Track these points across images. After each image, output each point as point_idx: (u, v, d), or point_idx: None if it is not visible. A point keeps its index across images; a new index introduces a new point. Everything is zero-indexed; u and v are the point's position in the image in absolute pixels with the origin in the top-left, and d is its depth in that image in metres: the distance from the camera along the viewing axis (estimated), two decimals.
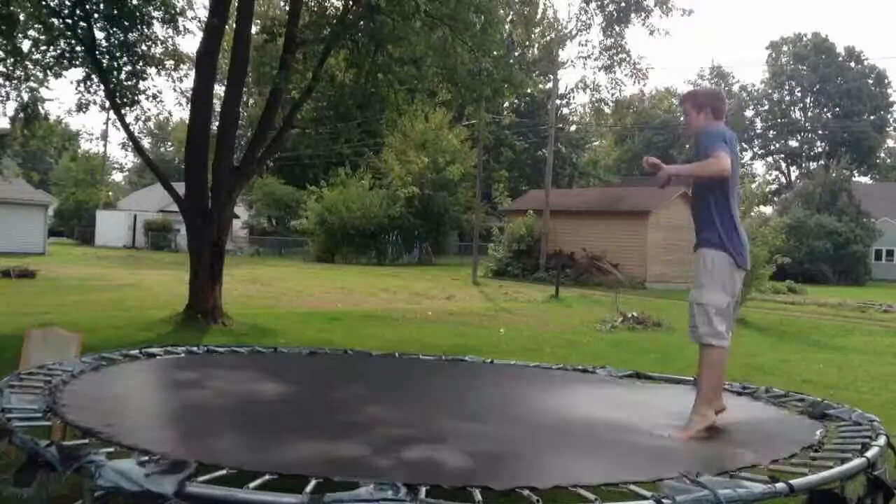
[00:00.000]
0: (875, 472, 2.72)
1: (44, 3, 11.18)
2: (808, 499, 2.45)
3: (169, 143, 71.71)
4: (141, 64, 12.50)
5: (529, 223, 29.02)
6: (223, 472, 2.42)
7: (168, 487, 2.18)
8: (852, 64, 66.22)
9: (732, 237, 3.76)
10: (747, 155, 69.59)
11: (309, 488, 2.27)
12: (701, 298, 3.76)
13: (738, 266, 3.77)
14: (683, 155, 66.62)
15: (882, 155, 68.07)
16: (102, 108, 13.02)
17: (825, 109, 66.77)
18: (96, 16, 12.20)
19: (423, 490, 2.28)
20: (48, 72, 11.87)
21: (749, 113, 70.28)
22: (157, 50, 12.81)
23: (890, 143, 69.02)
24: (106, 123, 63.08)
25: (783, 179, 69.02)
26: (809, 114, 68.36)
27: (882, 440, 3.03)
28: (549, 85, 39.98)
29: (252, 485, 2.31)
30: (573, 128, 53.99)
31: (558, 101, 43.36)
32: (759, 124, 70.25)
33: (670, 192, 30.16)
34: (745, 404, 4.46)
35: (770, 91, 69.09)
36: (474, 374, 5.52)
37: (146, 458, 2.43)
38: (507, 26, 18.00)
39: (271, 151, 14.32)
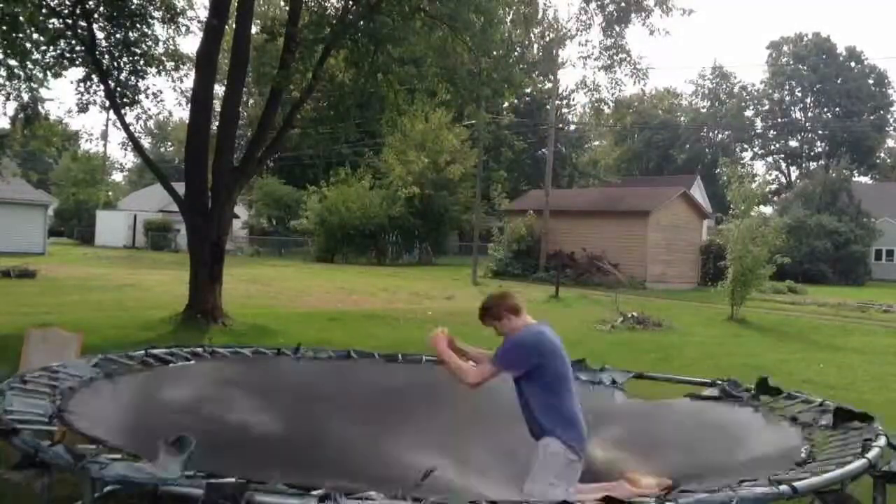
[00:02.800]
0: (882, 468, 2.72)
1: (43, 3, 11.17)
2: (821, 501, 2.45)
3: (169, 143, 71.67)
4: (141, 63, 12.50)
5: (529, 223, 29.02)
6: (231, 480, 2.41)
7: (174, 470, 2.17)
8: (852, 64, 66.21)
9: (568, 429, 3.49)
10: (747, 155, 69.66)
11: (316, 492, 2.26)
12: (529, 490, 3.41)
13: (576, 457, 3.48)
14: (684, 154, 66.77)
15: (882, 155, 68.04)
16: (102, 107, 13.03)
17: (825, 109, 66.74)
18: (96, 16, 12.20)
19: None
20: (48, 72, 11.86)
21: (749, 113, 70.26)
22: (158, 50, 12.81)
23: (890, 143, 69.05)
24: (106, 123, 63.09)
25: (783, 179, 68.99)
26: (809, 114, 68.32)
27: (882, 440, 3.02)
28: (549, 85, 40.01)
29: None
30: (573, 128, 53.94)
31: (558, 101, 43.35)
32: (759, 124, 70.22)
33: (670, 192, 30.25)
34: (736, 413, 4.35)
35: (770, 91, 69.05)
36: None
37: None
38: (506, 26, 17.95)
39: (271, 151, 14.34)
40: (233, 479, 2.35)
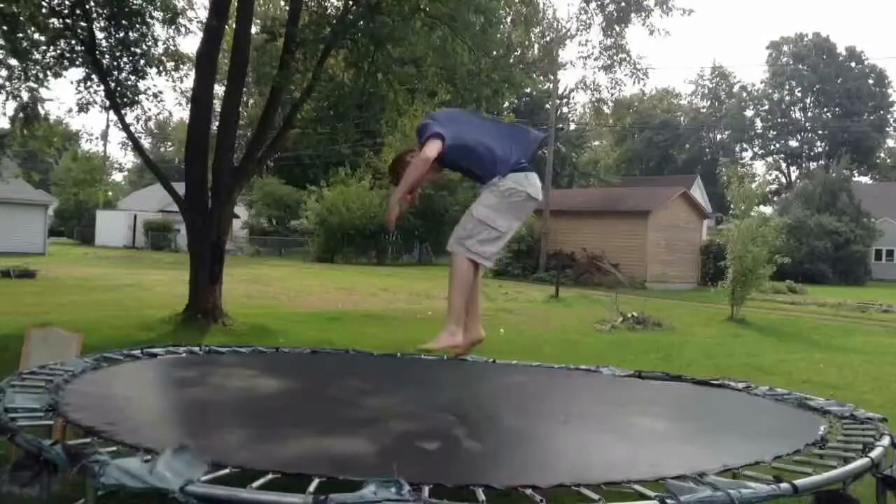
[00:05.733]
0: (883, 471, 2.72)
1: (43, 3, 11.17)
2: (817, 499, 2.45)
3: (169, 143, 71.71)
4: (141, 63, 12.50)
5: (529, 223, 29.01)
6: (226, 470, 2.41)
7: (173, 484, 2.17)
8: (853, 64, 66.26)
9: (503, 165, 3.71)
10: (747, 155, 69.74)
11: (312, 487, 2.26)
12: (481, 214, 3.73)
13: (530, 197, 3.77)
14: (684, 154, 66.78)
15: (882, 155, 68.09)
16: (102, 107, 13.02)
17: (825, 109, 66.79)
18: (96, 15, 12.20)
19: (426, 489, 2.28)
20: (48, 72, 11.86)
21: (749, 113, 70.31)
22: (158, 50, 12.81)
23: (890, 143, 69.10)
24: (106, 123, 63.10)
25: (783, 179, 69.05)
26: (809, 114, 68.37)
27: (886, 440, 3.02)
28: (549, 85, 40.03)
29: (255, 484, 2.30)
30: (573, 128, 53.95)
31: (558, 101, 43.35)
32: (759, 124, 70.26)
33: (670, 192, 30.25)
34: (746, 400, 4.45)
35: (770, 91, 69.12)
36: (476, 373, 5.51)
37: (149, 456, 2.43)
38: (506, 26, 17.95)
39: (271, 151, 14.34)
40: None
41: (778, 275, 19.85)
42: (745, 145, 70.52)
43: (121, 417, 3.26)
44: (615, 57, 16.10)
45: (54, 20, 11.65)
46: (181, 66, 13.32)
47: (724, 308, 17.30)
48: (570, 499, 2.50)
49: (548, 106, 40.44)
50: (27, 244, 30.23)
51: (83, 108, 12.69)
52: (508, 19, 18.20)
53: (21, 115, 11.93)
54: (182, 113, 63.16)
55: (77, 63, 12.20)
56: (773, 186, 61.88)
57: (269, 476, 2.41)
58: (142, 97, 12.73)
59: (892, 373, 10.08)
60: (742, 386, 4.71)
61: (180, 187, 12.29)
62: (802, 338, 14.31)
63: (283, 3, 33.92)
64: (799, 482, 2.40)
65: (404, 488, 2.18)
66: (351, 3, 12.49)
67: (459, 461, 2.94)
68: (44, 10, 11.23)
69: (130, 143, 14.78)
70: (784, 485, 2.35)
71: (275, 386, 4.55)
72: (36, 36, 11.34)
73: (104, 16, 12.25)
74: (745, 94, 70.28)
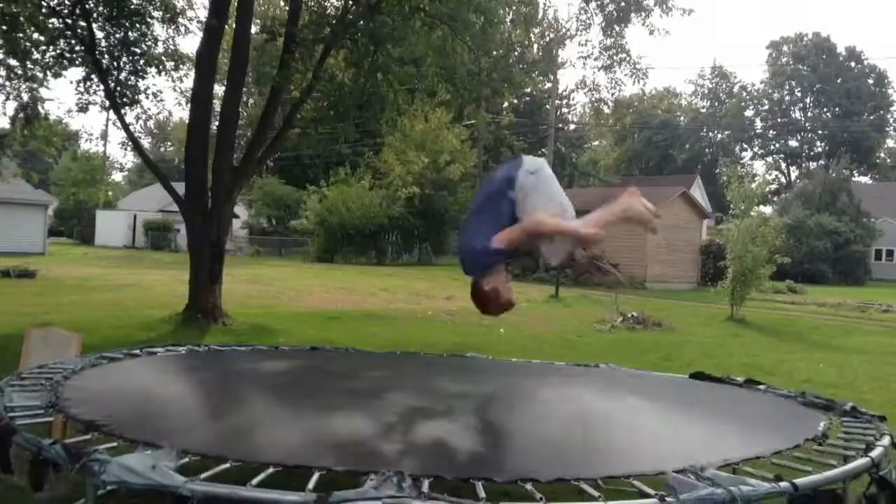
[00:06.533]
0: (880, 472, 2.71)
1: (43, 3, 11.17)
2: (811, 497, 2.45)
3: (169, 143, 71.68)
4: (141, 63, 12.51)
5: None
6: (227, 465, 2.41)
7: (177, 479, 2.17)
8: (852, 64, 66.21)
9: None
10: (747, 155, 69.70)
11: (312, 482, 2.26)
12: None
13: None
14: (684, 154, 66.72)
15: (882, 155, 68.03)
16: (102, 107, 13.03)
17: (825, 109, 66.74)
18: (96, 15, 12.20)
19: (426, 482, 2.27)
20: (48, 72, 11.86)
21: (749, 113, 70.27)
22: (158, 50, 12.81)
23: (890, 143, 69.03)
24: (106, 123, 63.05)
25: (783, 179, 69.00)
26: (809, 114, 68.32)
27: (886, 440, 3.01)
28: (549, 85, 40.02)
29: (255, 480, 2.29)
30: (573, 128, 53.91)
31: (558, 101, 43.33)
32: (759, 124, 70.22)
33: (670, 192, 30.22)
34: (746, 395, 4.46)
35: (770, 91, 69.06)
36: (476, 369, 5.52)
37: (149, 451, 2.42)
38: (506, 26, 17.93)
39: (271, 151, 14.33)
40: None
41: (778, 275, 19.84)
42: (745, 145, 70.47)
43: (121, 412, 3.26)
44: (615, 57, 16.07)
45: (54, 20, 11.64)
46: (181, 65, 13.33)
47: (723, 308, 17.29)
48: (570, 495, 2.50)
49: (548, 106, 40.40)
50: (27, 244, 30.22)
51: (83, 108, 12.70)
52: (508, 19, 18.19)
53: (21, 115, 11.94)
54: (182, 113, 63.24)
55: (77, 63, 12.21)
56: (773, 186, 61.85)
57: (270, 470, 2.41)
58: (142, 97, 12.75)
59: (892, 373, 10.08)
60: (742, 382, 4.71)
61: (180, 187, 12.29)
62: (802, 338, 14.30)
63: (282, 3, 33.90)
64: (799, 481, 2.40)
65: (406, 480, 2.18)
66: (351, 2, 12.49)
67: (459, 455, 2.95)
68: (44, 10, 11.23)
69: (130, 143, 14.79)
70: (784, 483, 2.35)
71: (275, 383, 4.54)
72: (36, 36, 11.34)
73: (104, 16, 12.25)
74: (745, 94, 70.23)
